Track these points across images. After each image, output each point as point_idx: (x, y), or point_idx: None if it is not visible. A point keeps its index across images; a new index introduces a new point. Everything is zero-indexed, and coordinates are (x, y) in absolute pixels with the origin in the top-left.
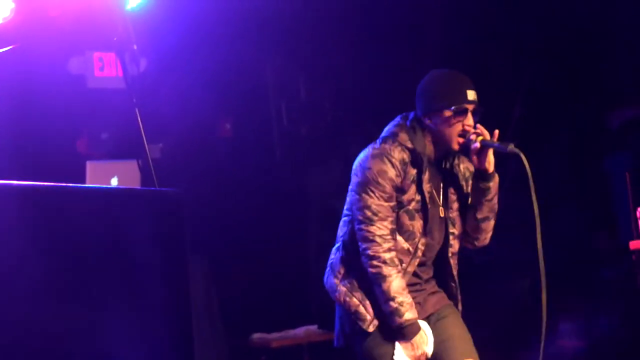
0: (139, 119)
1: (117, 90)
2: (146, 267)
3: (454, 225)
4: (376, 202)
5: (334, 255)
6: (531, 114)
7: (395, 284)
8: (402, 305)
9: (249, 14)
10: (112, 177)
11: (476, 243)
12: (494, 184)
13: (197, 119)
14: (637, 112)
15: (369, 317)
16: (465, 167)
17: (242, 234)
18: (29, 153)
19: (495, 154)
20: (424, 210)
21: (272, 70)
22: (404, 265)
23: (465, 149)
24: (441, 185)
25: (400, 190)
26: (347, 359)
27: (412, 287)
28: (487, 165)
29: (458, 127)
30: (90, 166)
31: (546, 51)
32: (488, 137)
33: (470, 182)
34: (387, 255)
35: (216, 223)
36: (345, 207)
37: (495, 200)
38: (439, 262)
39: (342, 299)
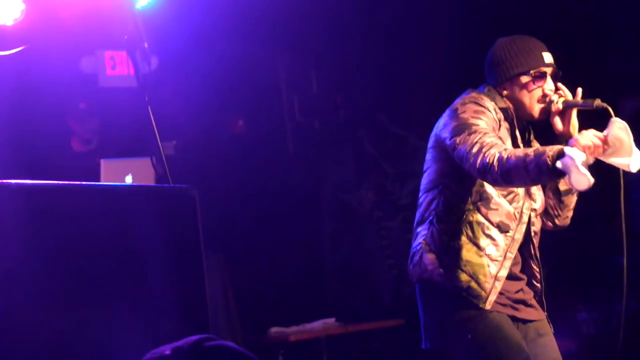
0: (152, 117)
1: (129, 88)
2: (161, 265)
3: (535, 201)
4: (483, 125)
5: (426, 231)
6: None
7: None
8: (536, 150)
9: (259, 9)
10: (127, 174)
11: (557, 222)
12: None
13: (210, 115)
14: None
15: (484, 293)
16: (535, 140)
17: (256, 229)
18: (42, 154)
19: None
20: None
21: (284, 65)
22: (510, 232)
23: (547, 115)
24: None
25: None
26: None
27: (512, 279)
28: (571, 129)
29: (538, 93)
30: (104, 164)
31: (552, 40)
32: (570, 97)
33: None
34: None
35: (231, 219)
36: (425, 182)
37: None
38: (523, 244)
39: (447, 276)
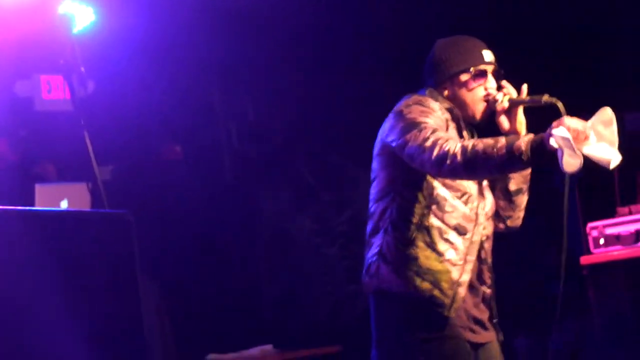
0: (88, 142)
1: (65, 112)
2: (95, 291)
3: (485, 204)
4: (432, 123)
5: (381, 241)
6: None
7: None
8: (504, 139)
9: (194, 34)
10: (62, 199)
11: (509, 223)
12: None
13: (147, 141)
14: None
15: (447, 300)
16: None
17: (193, 255)
18: None
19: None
20: None
21: (220, 90)
22: (468, 234)
23: (490, 115)
24: None
25: None
26: None
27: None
28: (518, 126)
29: (479, 92)
30: (39, 189)
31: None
32: (515, 94)
33: None
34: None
35: (168, 245)
36: (374, 192)
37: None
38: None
39: (406, 287)
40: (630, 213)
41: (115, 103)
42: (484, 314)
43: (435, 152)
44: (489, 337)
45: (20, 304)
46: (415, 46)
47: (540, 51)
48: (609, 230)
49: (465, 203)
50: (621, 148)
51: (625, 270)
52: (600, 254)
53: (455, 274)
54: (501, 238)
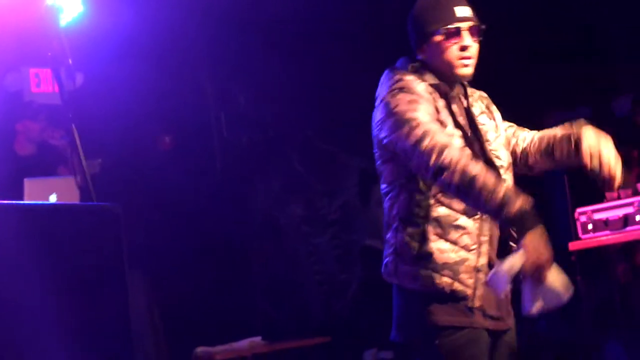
0: (76, 135)
1: (54, 106)
2: (83, 283)
3: (500, 158)
4: (422, 117)
5: (394, 240)
6: None
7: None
8: (495, 187)
9: (184, 26)
10: (51, 194)
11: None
12: None
13: (136, 132)
14: (572, 115)
15: (469, 291)
16: (480, 97)
17: (183, 247)
18: None
19: None
20: (470, 146)
21: (211, 81)
22: (478, 214)
23: (478, 72)
24: (466, 120)
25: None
26: None
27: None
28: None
29: (453, 51)
30: (28, 183)
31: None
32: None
33: (491, 107)
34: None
35: (158, 237)
36: (382, 187)
37: None
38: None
39: (426, 285)
40: (619, 198)
41: (104, 95)
42: (502, 298)
43: (433, 159)
44: (510, 323)
45: (7, 296)
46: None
47: (530, 37)
48: (597, 216)
49: None
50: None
51: (614, 255)
52: (589, 239)
53: (472, 260)
54: None
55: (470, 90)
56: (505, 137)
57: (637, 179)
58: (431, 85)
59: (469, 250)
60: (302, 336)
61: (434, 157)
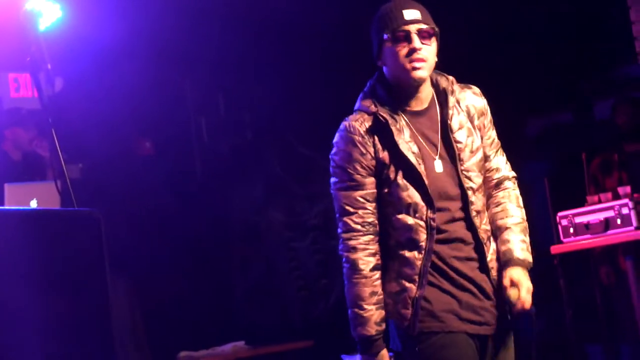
0: (56, 140)
1: (33, 111)
2: (64, 288)
3: (469, 178)
4: (343, 194)
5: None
6: None
7: (359, 290)
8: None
9: (165, 30)
10: (32, 199)
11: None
12: None
13: (117, 137)
14: (554, 119)
15: (405, 322)
16: (469, 105)
17: (165, 252)
18: None
19: None
20: (414, 175)
21: (191, 86)
22: (422, 243)
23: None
24: (439, 134)
25: (380, 164)
26: None
27: (448, 279)
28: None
29: (403, 55)
30: (8, 189)
31: (463, 56)
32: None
33: (480, 119)
34: (355, 246)
35: (139, 241)
36: None
37: None
38: (467, 229)
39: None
40: (600, 202)
41: (84, 100)
42: (482, 303)
43: (341, 249)
44: (490, 329)
45: None
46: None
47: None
48: (579, 219)
49: (413, 215)
50: (591, 135)
51: (596, 258)
52: (570, 242)
53: (412, 290)
54: None
55: (457, 96)
56: (482, 157)
57: (618, 183)
58: (374, 118)
59: (410, 282)
60: (285, 340)
61: (341, 249)
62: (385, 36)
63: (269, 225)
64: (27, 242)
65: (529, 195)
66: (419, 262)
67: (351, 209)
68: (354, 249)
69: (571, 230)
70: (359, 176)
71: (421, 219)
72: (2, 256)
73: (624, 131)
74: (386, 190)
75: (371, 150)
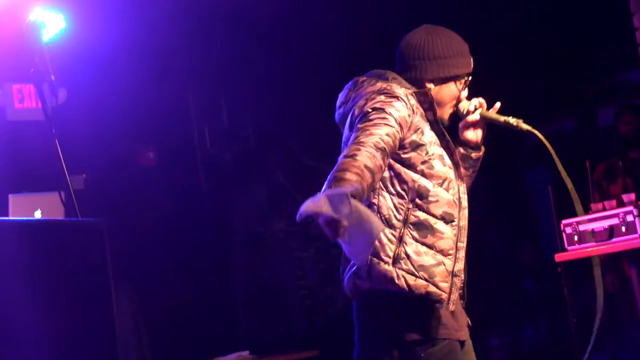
0: (60, 151)
1: (37, 122)
2: (68, 299)
3: (463, 199)
4: (367, 124)
5: None
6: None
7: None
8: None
9: (167, 40)
10: (36, 209)
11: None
12: (481, 154)
13: (120, 148)
14: (558, 126)
15: (444, 295)
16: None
17: (168, 262)
18: None
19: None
20: (448, 152)
21: (194, 95)
22: (455, 221)
23: (453, 120)
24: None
25: (416, 130)
26: None
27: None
28: (477, 139)
29: (456, 97)
30: (13, 199)
31: None
32: (487, 110)
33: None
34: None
35: (143, 251)
36: None
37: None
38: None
39: (403, 288)
40: (604, 209)
41: (88, 111)
42: (460, 306)
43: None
44: (467, 332)
45: None
46: (391, 49)
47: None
48: (583, 227)
49: (447, 190)
50: (595, 142)
51: (600, 267)
52: (575, 250)
53: (448, 264)
54: (475, 235)
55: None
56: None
57: (623, 190)
58: (415, 93)
59: (446, 255)
60: (289, 350)
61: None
62: (461, 77)
63: (272, 234)
64: (31, 252)
65: (533, 202)
66: (454, 237)
67: (373, 132)
68: (358, 150)
69: (575, 238)
70: (395, 124)
71: (454, 196)
72: (6, 266)
73: (628, 138)
74: (425, 162)
75: (414, 112)
